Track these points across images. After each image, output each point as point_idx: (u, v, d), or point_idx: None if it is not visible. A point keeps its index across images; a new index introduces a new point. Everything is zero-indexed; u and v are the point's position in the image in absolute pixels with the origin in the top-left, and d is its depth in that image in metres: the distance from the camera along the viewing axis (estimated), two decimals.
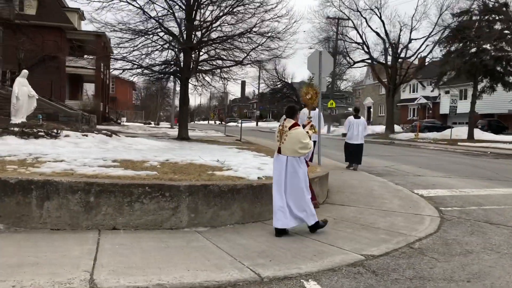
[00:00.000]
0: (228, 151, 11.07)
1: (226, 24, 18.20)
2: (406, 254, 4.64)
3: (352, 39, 36.31)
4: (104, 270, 3.74)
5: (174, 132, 28.16)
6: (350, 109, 60.51)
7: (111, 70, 25.00)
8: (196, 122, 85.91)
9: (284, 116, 5.48)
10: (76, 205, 4.94)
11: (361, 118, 11.83)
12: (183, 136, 18.51)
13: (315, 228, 5.27)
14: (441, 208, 7.00)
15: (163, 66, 19.43)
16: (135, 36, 17.35)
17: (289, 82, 55.70)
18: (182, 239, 4.83)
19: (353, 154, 11.40)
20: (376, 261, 4.38)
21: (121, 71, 19.37)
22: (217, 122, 79.38)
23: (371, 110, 56.72)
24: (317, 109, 9.77)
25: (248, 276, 3.82)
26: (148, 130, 29.52)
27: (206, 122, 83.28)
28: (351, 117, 11.85)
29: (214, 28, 18.49)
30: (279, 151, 5.30)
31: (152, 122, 52.38)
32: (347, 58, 37.35)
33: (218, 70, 19.95)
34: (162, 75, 20.50)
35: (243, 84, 22.08)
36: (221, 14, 17.66)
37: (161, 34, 18.09)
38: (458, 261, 4.45)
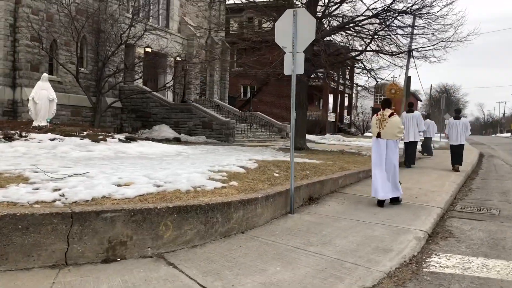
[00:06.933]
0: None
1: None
2: None
3: None
4: None
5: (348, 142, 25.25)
6: None
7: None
8: (497, 135, 77.89)
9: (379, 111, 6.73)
10: None
11: (461, 119, 11.56)
12: (296, 146, 16.02)
13: (397, 200, 6.45)
14: None
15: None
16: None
17: None
18: None
19: (454, 155, 11.49)
20: None
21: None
22: None
23: None
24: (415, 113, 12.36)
25: None
26: (336, 141, 27.22)
27: (509, 134, 73.27)
28: (451, 119, 11.77)
29: (340, 9, 16.07)
30: (378, 136, 6.35)
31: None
32: None
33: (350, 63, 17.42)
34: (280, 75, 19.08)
35: (408, 80, 18.22)
36: None
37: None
38: None
